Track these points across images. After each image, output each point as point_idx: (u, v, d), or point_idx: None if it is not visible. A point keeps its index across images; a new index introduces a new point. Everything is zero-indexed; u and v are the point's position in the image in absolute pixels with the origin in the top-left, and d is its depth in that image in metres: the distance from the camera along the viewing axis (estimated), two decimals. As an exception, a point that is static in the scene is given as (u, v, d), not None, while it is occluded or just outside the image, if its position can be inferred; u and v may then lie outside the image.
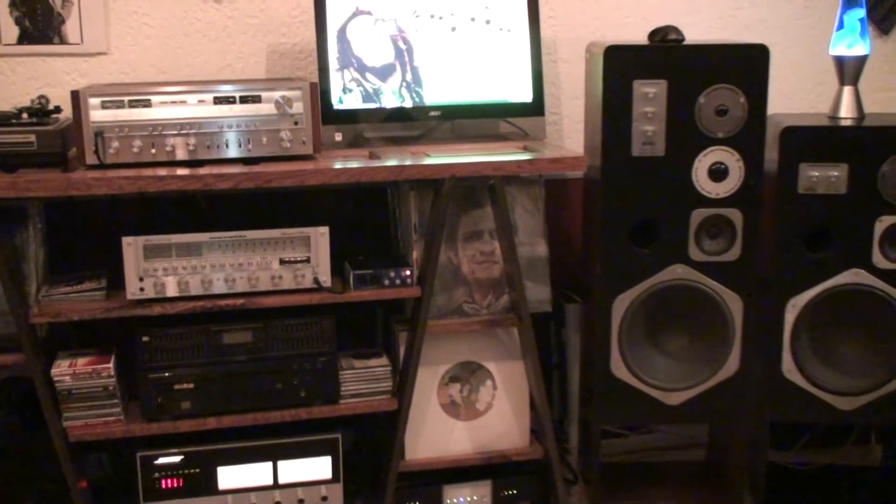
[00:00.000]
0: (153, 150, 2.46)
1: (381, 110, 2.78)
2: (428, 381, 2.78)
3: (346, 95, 2.74)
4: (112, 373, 2.54)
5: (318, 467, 2.71)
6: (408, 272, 2.63)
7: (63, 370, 2.52)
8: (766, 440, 2.87)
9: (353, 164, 2.54)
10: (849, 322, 2.77)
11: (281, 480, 2.69)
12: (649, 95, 2.64)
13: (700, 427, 3.19)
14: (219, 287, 2.52)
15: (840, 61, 2.81)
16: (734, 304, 2.75)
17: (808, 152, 2.69)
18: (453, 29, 2.81)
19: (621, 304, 2.74)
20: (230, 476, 2.66)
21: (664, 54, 2.67)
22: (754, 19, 3.20)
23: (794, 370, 2.78)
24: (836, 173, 2.69)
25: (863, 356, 2.79)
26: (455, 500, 2.82)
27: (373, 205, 2.93)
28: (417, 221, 2.68)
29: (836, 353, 2.80)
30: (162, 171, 2.43)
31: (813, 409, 2.81)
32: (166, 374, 2.56)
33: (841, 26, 2.80)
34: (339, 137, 2.75)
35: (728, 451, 2.97)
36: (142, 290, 2.48)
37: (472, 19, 2.82)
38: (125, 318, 2.50)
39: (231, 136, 2.50)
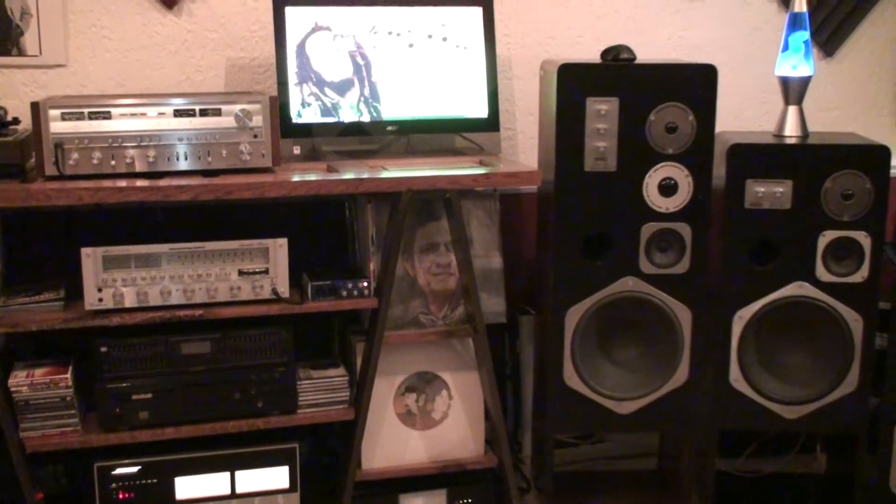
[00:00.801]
0: (113, 162, 2.48)
1: (339, 124, 2.82)
2: (384, 391, 2.82)
3: (304, 109, 2.78)
4: (69, 383, 2.55)
5: (276, 477, 2.73)
6: (365, 284, 2.67)
7: (20, 381, 2.52)
8: (714, 448, 2.93)
9: (312, 177, 2.58)
10: (793, 333, 2.84)
11: (238, 490, 2.71)
12: (601, 112, 2.71)
13: (651, 436, 3.25)
14: (177, 298, 2.54)
15: (785, 81, 2.89)
16: (683, 316, 2.82)
17: (755, 169, 2.76)
18: (411, 45, 2.86)
19: (574, 316, 2.80)
20: (188, 486, 2.67)
21: (616, 73, 2.73)
22: (703, 40, 3.29)
23: (741, 380, 2.85)
24: (781, 189, 2.77)
25: (807, 366, 2.86)
26: (411, 509, 2.86)
27: (331, 217, 2.96)
28: (374, 234, 2.72)
29: (781, 364, 2.87)
30: (122, 183, 2.45)
31: (759, 418, 2.87)
32: (124, 385, 2.57)
33: (786, 48, 2.88)
34: (297, 150, 2.78)
35: (678, 459, 3.02)
36: (100, 300, 2.49)
37: (430, 36, 2.87)
38: (83, 329, 2.51)
39: (190, 149, 2.53)
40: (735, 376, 2.85)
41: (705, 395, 2.90)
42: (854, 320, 2.79)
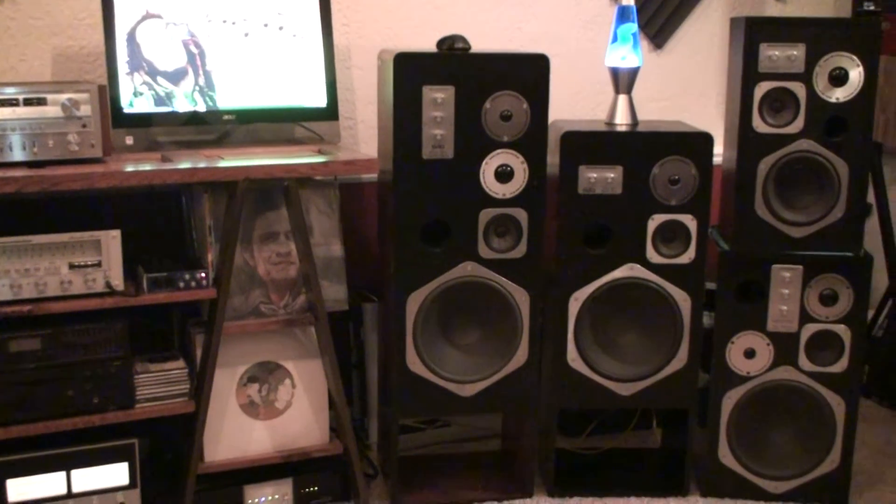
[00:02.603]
0: (-70, 153, 2.38)
1: (174, 114, 2.77)
2: (226, 383, 2.79)
3: (136, 99, 2.73)
4: None
5: (114, 474, 2.67)
6: (203, 274, 2.64)
7: None
8: (554, 427, 3.02)
9: (145, 167, 2.53)
10: (626, 313, 2.95)
11: (75, 489, 2.63)
12: (438, 101, 2.75)
13: (495, 417, 3.32)
14: (4, 294, 2.45)
15: (615, 72, 2.99)
16: (521, 299, 2.89)
17: (587, 155, 2.85)
18: (246, 34, 2.84)
19: (415, 302, 2.83)
20: (21, 488, 2.58)
21: (452, 62, 2.77)
22: (539, 32, 3.38)
23: (578, 359, 2.94)
24: (612, 175, 2.87)
25: (640, 344, 2.98)
26: (256, 500, 2.83)
27: (167, 208, 2.91)
28: (212, 224, 2.69)
29: (616, 343, 2.98)
30: (-61, 175, 2.36)
31: (597, 396, 2.98)
32: (-52, 385, 2.47)
33: (615, 39, 2.98)
34: (130, 141, 2.72)
35: (520, 439, 3.10)
36: (-81, 298, 2.39)
37: (265, 25, 2.85)
38: None
39: (15, 139, 2.45)
40: (572, 356, 2.94)
41: (545, 376, 2.99)
42: (683, 300, 2.92)
